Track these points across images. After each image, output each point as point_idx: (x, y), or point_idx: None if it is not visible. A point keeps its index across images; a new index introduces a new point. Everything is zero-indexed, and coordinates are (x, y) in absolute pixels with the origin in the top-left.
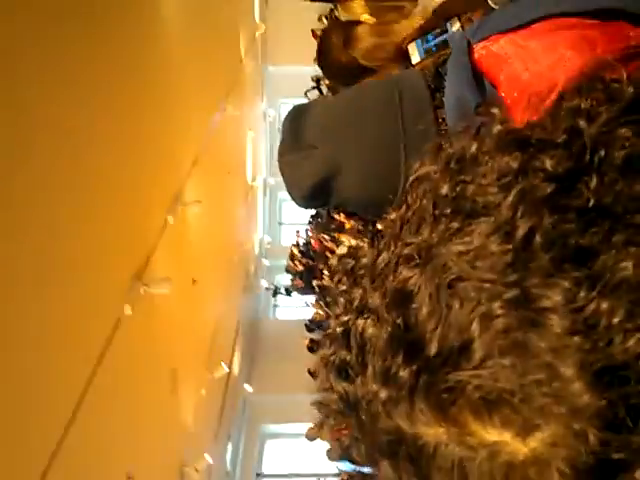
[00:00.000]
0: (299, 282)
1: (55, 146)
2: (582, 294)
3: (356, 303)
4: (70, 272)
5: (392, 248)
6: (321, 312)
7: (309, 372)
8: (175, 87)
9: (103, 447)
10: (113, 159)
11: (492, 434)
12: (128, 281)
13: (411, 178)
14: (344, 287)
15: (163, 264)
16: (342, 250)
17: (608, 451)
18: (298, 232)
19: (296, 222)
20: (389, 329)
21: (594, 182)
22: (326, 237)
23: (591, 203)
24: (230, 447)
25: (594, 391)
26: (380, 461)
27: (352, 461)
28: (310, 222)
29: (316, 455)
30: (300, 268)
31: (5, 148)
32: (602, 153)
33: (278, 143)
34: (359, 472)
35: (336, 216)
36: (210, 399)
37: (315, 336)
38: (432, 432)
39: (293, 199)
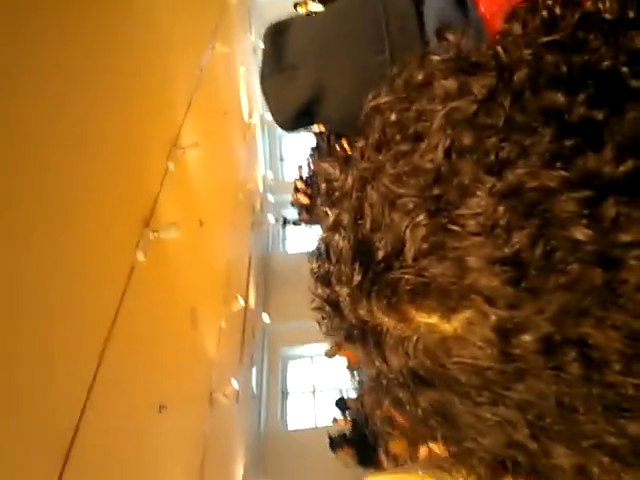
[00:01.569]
0: (306, 216)
1: (55, 97)
2: (491, 201)
3: (332, 221)
4: (78, 225)
5: (354, 172)
6: None
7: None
8: (162, 28)
9: (133, 384)
10: (106, 109)
11: (424, 318)
12: (137, 229)
13: (366, 109)
14: (325, 209)
15: (169, 210)
16: None
17: (505, 324)
18: (301, 167)
19: (296, 156)
20: (351, 241)
21: (508, 101)
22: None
23: (503, 120)
24: (254, 372)
25: (495, 278)
26: (355, 346)
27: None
28: (311, 154)
29: (336, 370)
30: (306, 201)
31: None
32: (520, 74)
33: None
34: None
35: (337, 145)
36: (230, 330)
37: None
38: (385, 320)
39: (277, 124)
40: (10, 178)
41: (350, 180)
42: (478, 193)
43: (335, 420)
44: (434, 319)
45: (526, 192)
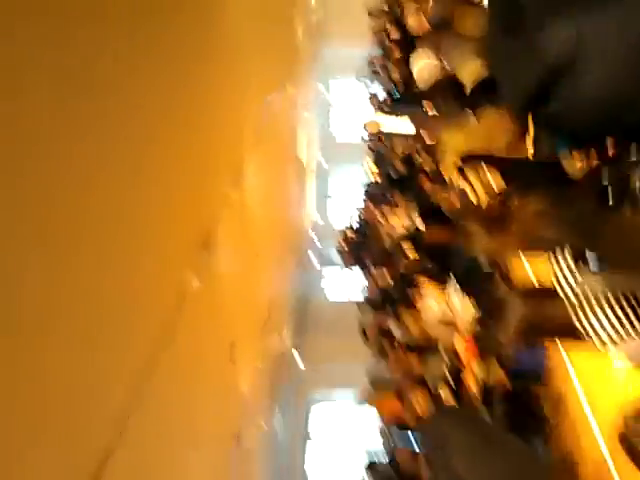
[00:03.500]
0: (349, 259)
1: (133, 121)
2: None
3: None
4: (136, 243)
5: None
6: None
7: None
8: (242, 65)
9: (167, 415)
10: (183, 131)
11: None
12: (195, 252)
13: None
14: None
15: (227, 237)
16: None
17: None
18: (352, 216)
19: (345, 201)
20: None
21: None
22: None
23: None
24: (281, 414)
25: None
26: None
27: None
28: (365, 205)
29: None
30: (348, 249)
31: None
32: None
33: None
34: None
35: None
36: (265, 370)
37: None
38: None
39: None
40: (66, 197)
41: None
42: None
43: None
44: None
45: None
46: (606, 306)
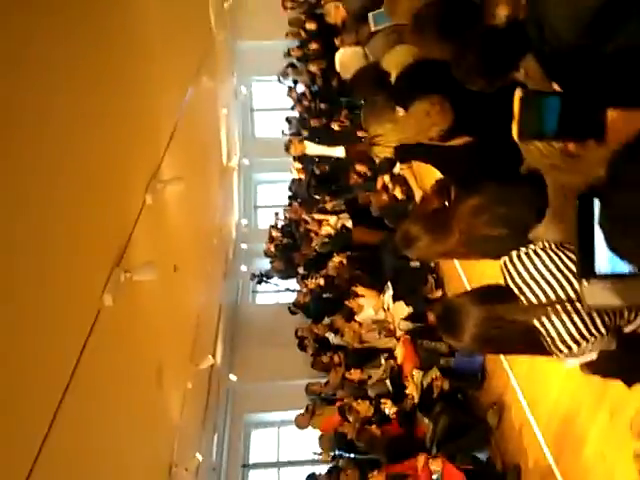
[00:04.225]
0: (278, 264)
1: (39, 127)
2: None
3: None
4: (47, 259)
5: None
6: (304, 290)
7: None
8: (150, 59)
9: (86, 446)
10: (87, 134)
11: None
12: (108, 268)
13: None
14: None
15: (143, 248)
16: (327, 230)
17: None
18: (277, 214)
19: (271, 204)
20: None
21: None
22: (309, 219)
23: None
24: (216, 439)
25: None
26: None
27: None
28: (289, 203)
29: (300, 442)
30: (276, 251)
31: None
32: None
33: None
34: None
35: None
36: (196, 391)
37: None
38: None
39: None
40: None
41: None
42: None
43: None
44: None
45: None
46: (570, 308)
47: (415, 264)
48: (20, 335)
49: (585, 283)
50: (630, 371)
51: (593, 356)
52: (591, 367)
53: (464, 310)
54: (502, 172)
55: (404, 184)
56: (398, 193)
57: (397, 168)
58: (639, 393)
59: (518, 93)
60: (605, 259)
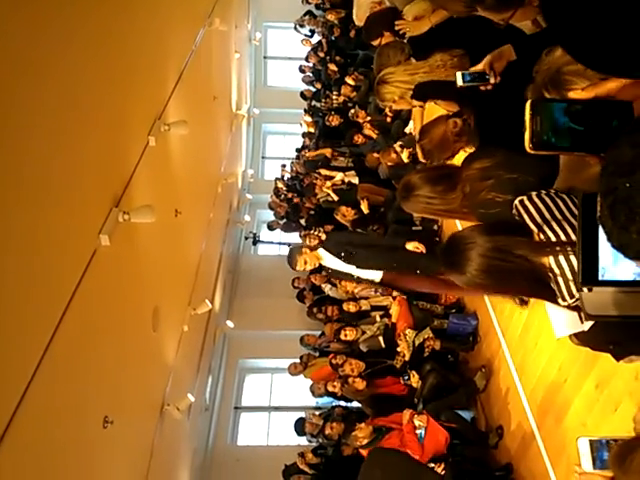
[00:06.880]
0: (277, 224)
1: (39, 60)
2: None
3: None
4: (44, 195)
5: None
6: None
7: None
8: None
9: (80, 382)
10: (89, 73)
11: None
12: (106, 208)
13: None
14: None
15: (144, 191)
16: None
17: None
18: (284, 166)
19: (279, 156)
20: None
21: None
22: (315, 174)
23: None
24: (210, 381)
25: None
26: None
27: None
28: (297, 156)
29: (292, 389)
30: (282, 211)
31: None
32: None
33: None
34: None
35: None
36: (192, 334)
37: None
38: None
39: None
40: None
41: None
42: None
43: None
44: None
45: None
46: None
47: (417, 228)
48: (12, 267)
49: (585, 290)
50: (619, 344)
51: (585, 327)
52: (582, 338)
53: (471, 239)
54: (515, 135)
55: (414, 149)
56: (405, 157)
57: (408, 127)
58: (626, 367)
59: (529, 102)
60: (609, 263)
